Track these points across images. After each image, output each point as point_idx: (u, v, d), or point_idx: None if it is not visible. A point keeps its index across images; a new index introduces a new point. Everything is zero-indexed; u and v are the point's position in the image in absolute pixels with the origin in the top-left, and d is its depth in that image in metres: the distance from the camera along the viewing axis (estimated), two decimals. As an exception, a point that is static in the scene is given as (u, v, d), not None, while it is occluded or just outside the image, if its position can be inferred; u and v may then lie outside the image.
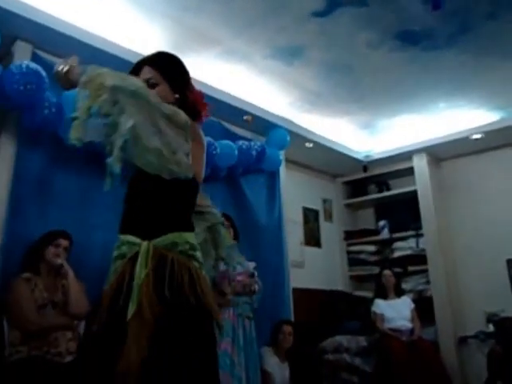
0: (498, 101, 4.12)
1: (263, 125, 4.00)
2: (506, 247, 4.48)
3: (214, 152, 3.22)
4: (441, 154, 5.01)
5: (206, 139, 3.18)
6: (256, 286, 3.17)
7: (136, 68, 1.64)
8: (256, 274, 3.22)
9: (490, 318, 4.26)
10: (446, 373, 3.80)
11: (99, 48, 2.93)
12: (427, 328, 4.32)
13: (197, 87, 3.43)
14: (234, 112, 3.75)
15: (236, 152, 3.50)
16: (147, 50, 3.14)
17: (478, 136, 4.55)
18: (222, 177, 3.62)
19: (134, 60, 3.07)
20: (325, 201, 5.43)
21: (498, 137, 4.54)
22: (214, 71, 3.43)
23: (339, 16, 2.89)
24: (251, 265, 3.24)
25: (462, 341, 4.47)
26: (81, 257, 2.63)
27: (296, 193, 4.88)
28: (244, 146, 3.60)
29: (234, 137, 3.74)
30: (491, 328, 4.17)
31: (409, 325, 4.09)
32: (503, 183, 4.67)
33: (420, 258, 4.78)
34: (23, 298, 2.25)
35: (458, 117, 4.37)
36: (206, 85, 3.48)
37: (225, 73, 3.47)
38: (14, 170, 2.60)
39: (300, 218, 4.98)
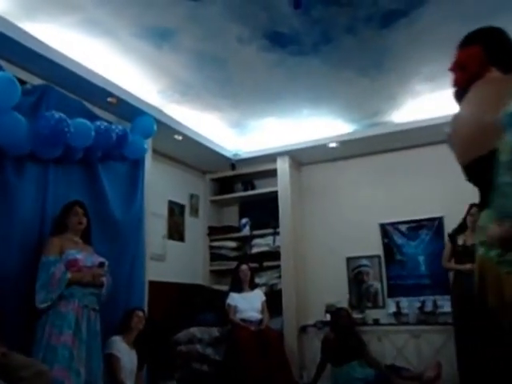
0: (352, 113, 4.43)
1: (129, 110, 3.82)
2: (347, 247, 5.01)
3: (67, 129, 2.94)
4: (302, 158, 5.35)
5: (57, 115, 2.93)
6: (104, 279, 3.03)
7: None
8: (107, 264, 3.07)
9: (328, 309, 4.71)
10: (287, 358, 4.12)
11: None
12: (275, 318, 4.62)
13: (53, 58, 3.14)
14: (97, 92, 3.52)
15: (93, 132, 3.24)
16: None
17: (334, 145, 4.92)
18: (77, 159, 3.35)
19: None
20: (192, 196, 5.43)
21: (351, 147, 4.97)
22: (74, 42, 3.13)
23: (211, 3, 2.77)
24: (99, 258, 3.08)
25: (303, 329, 4.88)
26: None
27: (162, 185, 4.78)
28: (102, 127, 3.36)
29: (96, 119, 3.48)
30: (328, 317, 4.61)
31: (258, 316, 4.34)
32: (351, 190, 5.19)
33: (275, 255, 5.06)
34: None
35: (319, 124, 4.62)
36: (64, 56, 3.19)
37: (87, 46, 3.19)
38: None
39: (165, 211, 4.90)
